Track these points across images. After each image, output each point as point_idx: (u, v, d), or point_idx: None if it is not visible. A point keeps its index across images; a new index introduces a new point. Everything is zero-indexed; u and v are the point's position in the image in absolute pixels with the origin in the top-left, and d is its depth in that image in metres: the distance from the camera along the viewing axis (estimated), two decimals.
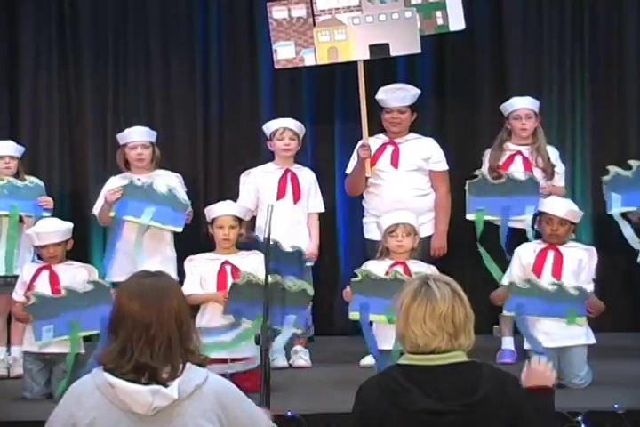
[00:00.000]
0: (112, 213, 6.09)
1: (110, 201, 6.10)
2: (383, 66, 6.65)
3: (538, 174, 6.29)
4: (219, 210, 5.86)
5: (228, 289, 5.52)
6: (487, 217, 6.19)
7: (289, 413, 4.85)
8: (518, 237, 6.11)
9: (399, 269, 5.62)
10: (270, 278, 5.18)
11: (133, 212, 6.07)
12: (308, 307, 5.84)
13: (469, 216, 6.22)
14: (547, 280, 5.66)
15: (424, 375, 2.88)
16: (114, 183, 6.28)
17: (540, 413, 2.99)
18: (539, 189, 6.13)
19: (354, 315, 5.59)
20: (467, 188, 6.22)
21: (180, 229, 6.15)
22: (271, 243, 5.06)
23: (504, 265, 5.96)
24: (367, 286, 5.51)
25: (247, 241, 5.94)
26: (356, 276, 5.60)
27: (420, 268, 5.65)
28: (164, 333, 2.82)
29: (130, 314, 2.83)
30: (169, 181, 6.23)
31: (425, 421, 2.85)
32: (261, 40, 7.29)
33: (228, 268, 5.73)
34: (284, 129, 6.36)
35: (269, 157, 6.55)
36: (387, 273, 5.62)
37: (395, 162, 6.32)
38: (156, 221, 6.08)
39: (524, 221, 6.13)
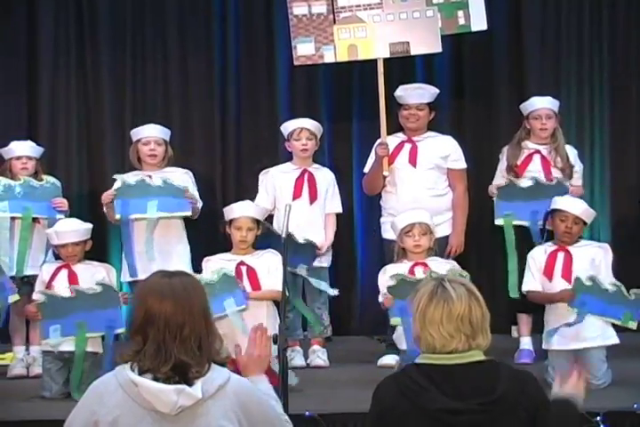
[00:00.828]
0: (117, 216, 6.10)
1: (106, 204, 6.13)
2: (401, 65, 6.64)
3: (556, 174, 6.28)
4: (237, 211, 5.85)
5: None
6: (516, 222, 6.14)
7: (307, 412, 4.85)
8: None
9: (419, 269, 5.61)
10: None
11: (137, 209, 6.07)
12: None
13: (498, 221, 6.18)
14: (558, 282, 5.66)
15: (442, 374, 2.88)
16: (119, 182, 6.28)
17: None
18: (567, 193, 6.09)
19: (395, 320, 5.55)
20: (495, 193, 6.20)
21: (189, 213, 6.13)
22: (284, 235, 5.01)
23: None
24: (404, 289, 5.43)
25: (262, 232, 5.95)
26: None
27: (441, 264, 5.63)
28: (196, 332, 2.83)
29: (162, 315, 2.83)
30: (180, 179, 6.23)
31: (443, 420, 2.84)
32: (279, 39, 7.31)
33: (244, 268, 5.73)
34: (301, 129, 6.36)
35: (287, 156, 6.55)
36: (411, 273, 5.60)
37: (413, 160, 6.31)
38: (162, 211, 6.08)
39: None
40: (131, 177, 6.21)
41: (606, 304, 5.57)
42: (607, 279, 5.67)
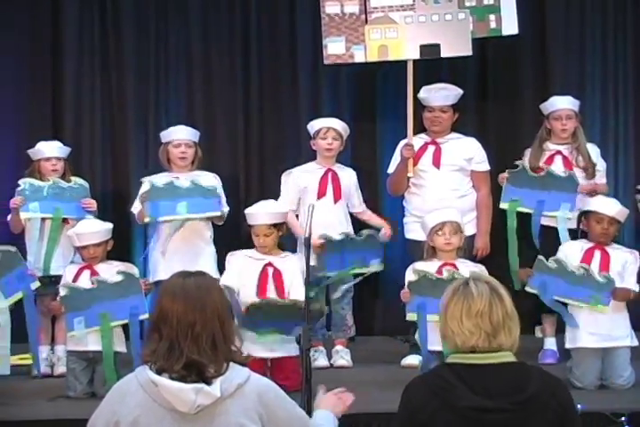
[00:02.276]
0: (147, 219, 6.12)
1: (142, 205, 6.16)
2: (425, 66, 6.63)
3: (578, 174, 6.26)
4: (254, 218, 5.83)
5: (246, 307, 5.46)
6: (520, 208, 6.14)
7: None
8: (547, 235, 6.07)
9: (448, 269, 5.61)
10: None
11: (167, 212, 6.08)
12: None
13: (503, 205, 6.18)
14: None
15: (472, 374, 2.88)
16: (147, 185, 6.31)
17: None
18: (577, 188, 6.09)
19: (412, 315, 5.55)
20: (506, 176, 6.18)
21: (218, 213, 6.14)
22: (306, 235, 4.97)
23: (531, 257, 5.89)
24: (424, 286, 5.46)
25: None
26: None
27: (469, 268, 5.62)
28: (207, 331, 2.84)
29: (174, 314, 2.86)
30: (209, 182, 6.24)
31: (473, 417, 2.84)
32: (302, 38, 7.31)
33: (270, 270, 5.71)
34: (327, 128, 6.36)
35: (310, 156, 6.55)
36: (439, 272, 5.59)
37: (436, 162, 6.31)
38: (192, 212, 6.10)
39: (555, 218, 6.08)
40: (159, 179, 6.22)
41: (571, 286, 5.54)
42: (632, 285, 5.63)
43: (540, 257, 5.69)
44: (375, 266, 6.22)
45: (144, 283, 5.57)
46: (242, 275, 5.70)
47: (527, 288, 5.73)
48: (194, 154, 6.37)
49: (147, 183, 6.19)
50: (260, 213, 5.86)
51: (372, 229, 6.25)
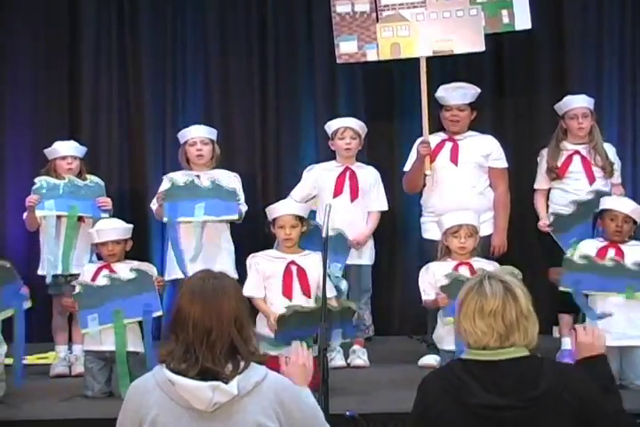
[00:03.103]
0: (165, 219, 6.12)
1: (160, 205, 6.16)
2: (441, 64, 6.63)
3: (598, 173, 6.24)
4: (280, 209, 5.84)
5: (276, 321, 5.40)
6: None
7: (347, 412, 4.84)
8: None
9: (464, 269, 5.59)
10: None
11: (184, 212, 6.09)
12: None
13: (570, 253, 5.88)
14: None
15: (485, 370, 2.88)
16: (167, 183, 6.33)
17: (600, 384, 2.95)
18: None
19: (450, 320, 5.40)
20: (551, 231, 6.15)
21: (235, 217, 6.14)
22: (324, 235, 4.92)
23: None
24: (457, 288, 5.41)
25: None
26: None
27: (482, 265, 5.60)
28: (224, 338, 2.84)
29: (191, 317, 2.86)
30: (228, 181, 6.25)
31: (484, 415, 2.84)
32: (318, 39, 7.31)
33: (294, 268, 5.68)
34: (345, 128, 6.36)
35: (328, 156, 6.55)
36: (454, 270, 5.58)
37: (454, 158, 6.29)
38: (209, 215, 6.10)
39: None
40: (180, 177, 6.23)
41: (605, 279, 5.53)
42: None
43: (568, 255, 5.69)
44: (334, 269, 6.02)
45: (157, 280, 5.58)
46: (265, 276, 5.68)
47: (561, 288, 5.70)
48: (211, 151, 6.36)
49: (167, 181, 6.19)
50: (286, 204, 5.89)
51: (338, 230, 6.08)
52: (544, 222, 6.25)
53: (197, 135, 6.38)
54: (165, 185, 6.21)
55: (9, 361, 5.80)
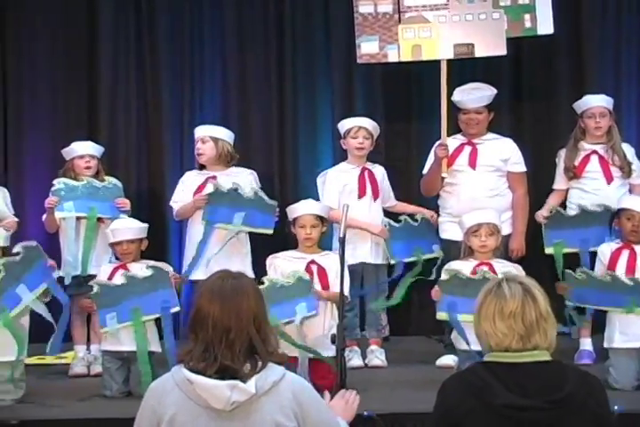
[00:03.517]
0: (203, 222, 6.11)
1: (197, 208, 6.15)
2: (459, 65, 6.61)
3: (616, 173, 6.22)
4: (300, 209, 5.84)
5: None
6: (566, 250, 6.12)
7: (365, 412, 4.83)
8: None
9: (485, 268, 5.59)
10: (266, 281, 5.36)
11: (223, 219, 6.08)
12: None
13: (548, 250, 6.17)
14: None
15: (508, 372, 2.88)
16: (189, 177, 6.34)
17: None
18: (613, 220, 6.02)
19: (441, 315, 5.55)
20: (543, 222, 6.20)
21: (271, 231, 6.14)
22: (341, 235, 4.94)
23: None
24: (455, 285, 5.46)
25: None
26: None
27: (505, 267, 5.60)
28: (243, 337, 2.86)
29: (210, 316, 2.87)
30: (245, 180, 6.25)
31: (508, 416, 2.83)
32: (336, 38, 7.32)
33: (315, 268, 5.67)
34: (358, 128, 6.36)
35: (345, 156, 6.55)
36: (474, 273, 5.58)
37: (472, 162, 6.28)
38: (246, 225, 6.10)
39: None
40: (194, 177, 6.26)
41: (604, 294, 5.53)
42: None
43: (569, 271, 5.70)
44: (437, 251, 6.29)
45: (173, 276, 5.59)
46: (285, 276, 5.66)
47: (568, 302, 5.72)
48: (213, 149, 6.31)
49: (211, 186, 6.19)
50: (307, 204, 5.89)
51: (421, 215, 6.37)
52: (542, 213, 6.26)
53: (198, 134, 6.38)
54: (209, 189, 6.20)
55: (29, 361, 5.85)
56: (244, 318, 2.87)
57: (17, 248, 5.43)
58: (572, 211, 6.23)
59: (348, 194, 6.28)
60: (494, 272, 5.52)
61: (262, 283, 5.41)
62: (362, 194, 6.30)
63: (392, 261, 6.30)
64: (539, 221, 6.27)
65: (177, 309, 5.51)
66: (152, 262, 5.77)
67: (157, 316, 5.49)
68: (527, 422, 2.84)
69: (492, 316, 2.92)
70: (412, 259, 6.31)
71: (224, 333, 2.85)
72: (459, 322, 5.46)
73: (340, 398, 3.19)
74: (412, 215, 6.43)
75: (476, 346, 5.27)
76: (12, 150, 7.37)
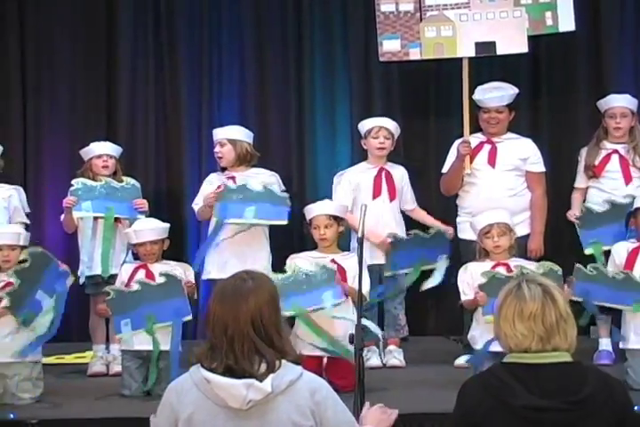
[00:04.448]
0: (215, 219, 6.12)
1: (209, 206, 6.16)
2: (477, 64, 6.60)
3: (635, 174, 6.20)
4: (314, 210, 5.85)
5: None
6: (605, 247, 6.04)
7: None
8: None
9: (522, 265, 5.56)
10: (289, 269, 5.44)
11: (235, 214, 6.09)
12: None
13: (587, 251, 6.09)
14: None
15: (528, 373, 2.87)
16: (213, 179, 6.34)
17: None
18: None
19: (489, 318, 5.33)
20: (577, 224, 6.16)
21: (285, 222, 6.11)
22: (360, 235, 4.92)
23: None
24: (495, 286, 5.39)
25: None
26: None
27: (526, 265, 5.58)
28: (242, 338, 2.85)
29: (212, 317, 2.90)
30: (266, 180, 6.25)
31: (527, 417, 2.83)
32: (354, 39, 7.32)
33: (334, 267, 5.66)
34: (379, 128, 6.35)
35: (363, 157, 6.54)
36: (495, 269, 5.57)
37: (492, 161, 6.27)
38: (259, 218, 6.10)
39: None
40: (217, 179, 6.28)
41: (613, 292, 5.49)
42: None
43: (579, 265, 5.66)
44: (443, 262, 6.19)
45: (186, 284, 5.59)
46: None
47: (571, 297, 5.68)
48: (231, 151, 6.31)
49: (222, 187, 6.18)
50: (321, 205, 5.90)
51: (436, 228, 6.29)
52: (573, 213, 6.24)
53: (216, 137, 6.39)
54: (220, 178, 6.20)
55: (48, 360, 5.87)
56: (241, 319, 2.87)
57: (23, 255, 5.49)
58: (601, 207, 6.16)
59: (362, 194, 6.28)
60: (511, 272, 5.50)
61: (285, 272, 5.43)
62: (376, 194, 6.29)
63: (386, 274, 6.21)
64: (571, 221, 6.22)
65: (189, 317, 5.53)
66: (173, 263, 5.81)
67: (170, 323, 5.50)
68: (546, 423, 2.83)
69: (512, 317, 2.91)
70: (409, 270, 6.22)
71: (224, 333, 2.87)
72: None
73: (378, 408, 3.16)
74: (426, 228, 6.39)
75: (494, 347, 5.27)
76: (31, 151, 7.40)
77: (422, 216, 6.52)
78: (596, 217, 6.13)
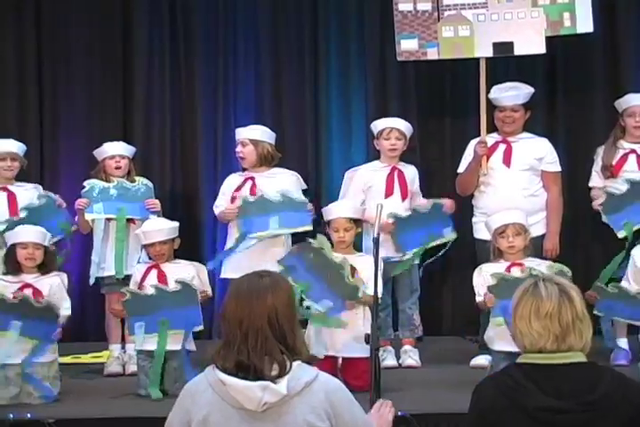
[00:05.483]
0: (239, 233, 6.11)
1: (227, 219, 6.18)
2: (493, 63, 6.60)
3: None
4: (334, 212, 5.83)
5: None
6: (636, 227, 6.01)
7: (399, 413, 4.83)
8: None
9: (531, 266, 5.55)
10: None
11: (259, 228, 6.08)
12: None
13: (621, 234, 6.02)
14: None
15: (542, 374, 2.86)
16: (233, 180, 6.34)
17: None
18: None
19: (499, 320, 5.36)
20: (601, 210, 6.11)
21: (310, 228, 6.11)
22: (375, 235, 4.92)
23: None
24: (504, 288, 5.38)
25: None
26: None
27: (539, 266, 5.54)
28: (256, 334, 2.86)
29: (228, 313, 2.91)
30: (286, 181, 6.25)
31: (542, 418, 2.82)
32: (370, 39, 7.32)
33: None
34: (391, 129, 6.34)
35: (378, 156, 6.54)
36: (507, 271, 5.55)
37: (507, 161, 6.26)
38: (284, 227, 6.10)
39: None
40: (235, 180, 6.29)
41: (632, 309, 5.53)
42: None
43: (599, 283, 5.67)
44: (449, 235, 6.18)
45: (201, 294, 5.59)
46: None
47: (595, 311, 5.66)
48: (252, 152, 6.31)
49: (239, 199, 6.18)
50: (341, 207, 5.89)
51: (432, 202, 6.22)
52: (598, 202, 6.18)
53: (238, 137, 6.39)
54: (238, 202, 6.19)
55: (64, 360, 5.88)
56: (256, 314, 2.87)
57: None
58: (621, 187, 6.09)
59: (374, 193, 6.27)
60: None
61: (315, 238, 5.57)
62: (389, 193, 6.28)
63: (406, 256, 6.16)
64: (597, 210, 6.17)
65: (200, 328, 5.54)
66: (185, 262, 5.81)
67: (182, 331, 5.50)
68: (560, 424, 2.82)
69: (528, 316, 2.90)
70: (419, 249, 6.18)
71: (238, 327, 2.87)
72: None
73: (375, 413, 3.17)
74: None
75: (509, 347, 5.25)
76: (47, 151, 7.42)
77: (426, 201, 6.45)
78: (618, 199, 6.07)
